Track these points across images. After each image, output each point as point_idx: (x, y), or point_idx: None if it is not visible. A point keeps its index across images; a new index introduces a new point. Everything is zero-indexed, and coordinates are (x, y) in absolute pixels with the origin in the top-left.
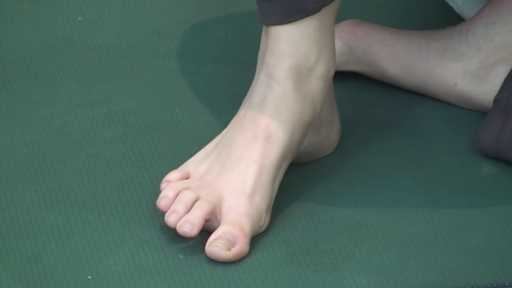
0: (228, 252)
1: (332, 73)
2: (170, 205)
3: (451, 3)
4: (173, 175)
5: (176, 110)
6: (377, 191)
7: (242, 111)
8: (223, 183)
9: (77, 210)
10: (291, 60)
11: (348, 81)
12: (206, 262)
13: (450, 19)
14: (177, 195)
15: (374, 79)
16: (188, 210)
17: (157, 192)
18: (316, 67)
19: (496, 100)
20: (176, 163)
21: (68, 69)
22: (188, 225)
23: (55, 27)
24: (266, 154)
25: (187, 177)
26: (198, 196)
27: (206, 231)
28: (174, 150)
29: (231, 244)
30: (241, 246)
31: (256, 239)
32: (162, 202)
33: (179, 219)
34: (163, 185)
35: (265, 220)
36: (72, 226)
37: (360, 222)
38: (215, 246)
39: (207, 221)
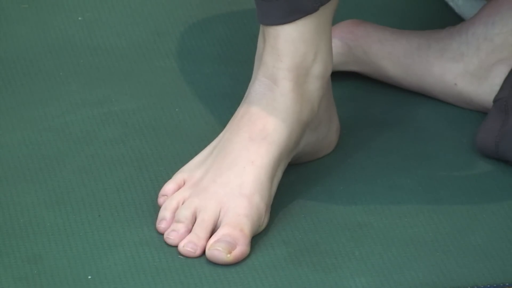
0: (229, 255)
1: (329, 72)
2: (169, 226)
3: (451, 3)
4: (168, 188)
5: (176, 110)
6: (377, 191)
7: (239, 112)
8: (219, 186)
9: (77, 210)
10: (290, 60)
11: (348, 81)
12: (206, 262)
13: (450, 19)
14: (174, 213)
15: (374, 79)
16: (188, 227)
17: (157, 192)
18: (314, 66)
19: (496, 100)
20: (176, 163)
21: (68, 69)
22: (192, 245)
23: (55, 27)
24: (263, 154)
25: (183, 185)
26: (195, 209)
27: None
28: (174, 150)
29: (231, 247)
30: (241, 248)
31: (256, 239)
32: (161, 226)
33: (179, 237)
34: (160, 200)
35: (264, 220)
36: (72, 226)
37: (360, 222)
38: (216, 249)
39: None
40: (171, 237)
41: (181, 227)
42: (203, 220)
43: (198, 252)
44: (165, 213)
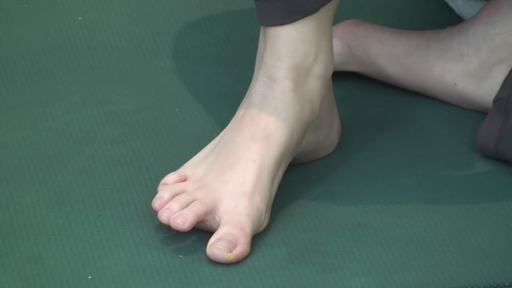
0: (229, 254)
1: (330, 72)
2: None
3: (451, 3)
4: (170, 178)
5: (176, 110)
6: (377, 191)
7: (240, 112)
8: (221, 184)
9: (77, 210)
10: (290, 60)
11: (348, 81)
12: (206, 262)
13: (450, 19)
14: (172, 197)
15: (374, 79)
16: (183, 208)
17: (156, 192)
18: (314, 66)
19: (496, 100)
20: (176, 163)
21: (68, 69)
22: (181, 218)
23: (55, 27)
24: (265, 153)
25: (185, 180)
26: (195, 198)
27: (206, 231)
28: (174, 150)
29: (232, 246)
30: (242, 247)
31: (256, 239)
32: (157, 202)
33: (172, 215)
34: (160, 188)
35: (264, 220)
36: (72, 226)
37: (360, 222)
38: (216, 248)
39: (205, 221)
40: (164, 214)
41: (175, 206)
42: (200, 201)
43: (187, 225)
44: (164, 193)
